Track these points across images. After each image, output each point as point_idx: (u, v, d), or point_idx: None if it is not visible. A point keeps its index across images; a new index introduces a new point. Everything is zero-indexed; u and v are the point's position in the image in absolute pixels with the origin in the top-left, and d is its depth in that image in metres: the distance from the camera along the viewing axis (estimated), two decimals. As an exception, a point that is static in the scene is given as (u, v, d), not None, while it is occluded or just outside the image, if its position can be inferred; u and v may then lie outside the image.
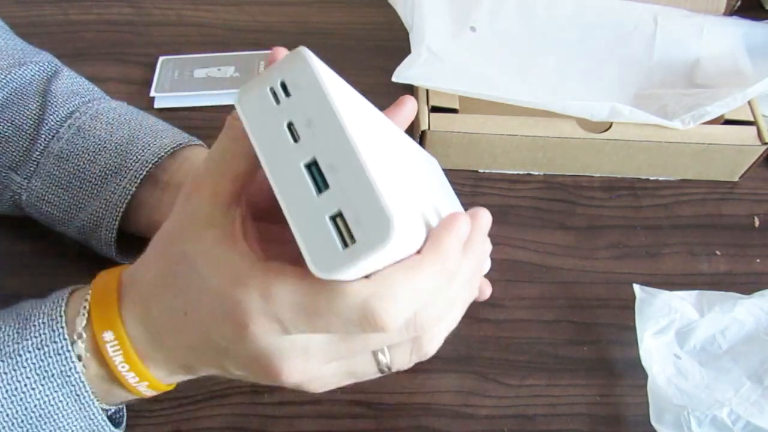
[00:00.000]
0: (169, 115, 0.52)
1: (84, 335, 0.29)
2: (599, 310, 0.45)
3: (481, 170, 0.51)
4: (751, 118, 0.49)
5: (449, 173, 0.51)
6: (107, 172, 0.39)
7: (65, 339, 0.29)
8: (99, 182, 0.39)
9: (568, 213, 0.50)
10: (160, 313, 0.28)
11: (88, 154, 0.39)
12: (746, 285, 0.45)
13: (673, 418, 0.37)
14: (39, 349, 0.29)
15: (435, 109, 0.48)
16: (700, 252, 0.48)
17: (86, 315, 0.29)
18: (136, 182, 0.38)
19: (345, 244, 0.22)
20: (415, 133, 0.49)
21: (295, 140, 0.24)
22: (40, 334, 0.29)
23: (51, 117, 0.40)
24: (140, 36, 0.58)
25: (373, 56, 0.58)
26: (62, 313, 0.29)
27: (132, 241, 0.41)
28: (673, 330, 0.40)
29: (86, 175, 0.39)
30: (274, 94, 0.24)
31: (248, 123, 0.25)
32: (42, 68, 0.42)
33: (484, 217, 0.30)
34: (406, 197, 0.24)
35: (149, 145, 0.39)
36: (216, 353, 0.28)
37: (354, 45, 0.59)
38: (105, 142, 0.39)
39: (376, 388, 0.39)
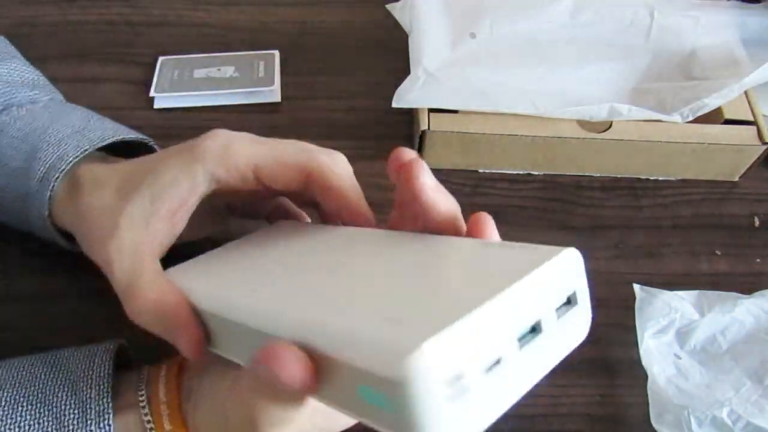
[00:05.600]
0: (168, 115, 0.52)
1: None
2: (599, 310, 0.44)
3: (481, 170, 0.51)
4: (751, 118, 0.49)
5: (449, 173, 0.51)
6: (21, 196, 0.36)
7: None
8: (20, 208, 0.36)
9: (568, 213, 0.49)
10: None
11: (1, 179, 0.36)
12: (746, 285, 0.45)
13: (674, 418, 0.37)
14: None
15: (435, 109, 0.48)
16: (700, 252, 0.48)
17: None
18: (45, 205, 0.35)
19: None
20: (415, 133, 0.49)
21: None
22: None
23: None
24: (140, 36, 0.58)
25: (373, 56, 0.58)
26: None
27: None
28: (673, 330, 0.40)
29: (5, 202, 0.37)
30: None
31: None
32: None
33: None
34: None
35: (50, 156, 0.35)
36: None
37: (354, 45, 0.59)
38: (11, 161, 0.36)
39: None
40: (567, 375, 0.42)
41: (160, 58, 0.56)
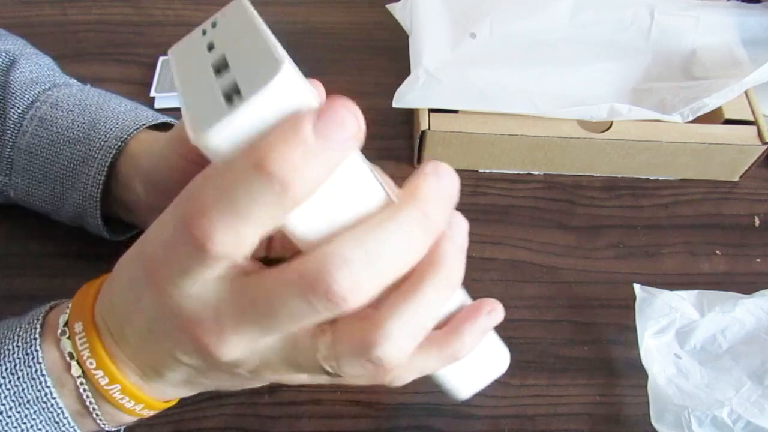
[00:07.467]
0: (169, 115, 0.52)
1: (67, 331, 0.28)
2: (599, 310, 0.45)
3: (481, 170, 0.51)
4: (751, 118, 0.49)
5: (449, 173, 0.51)
6: (75, 163, 0.38)
7: (39, 363, 0.27)
8: (70, 174, 0.39)
9: (568, 213, 0.50)
10: (120, 300, 0.27)
11: (54, 147, 0.39)
12: (746, 285, 0.45)
13: (674, 417, 0.37)
14: (13, 374, 0.27)
15: (435, 109, 0.48)
16: (700, 252, 0.48)
17: (67, 312, 0.28)
18: (103, 171, 0.38)
19: (230, 101, 0.20)
20: (415, 133, 0.49)
21: (210, 51, 0.23)
22: (13, 359, 0.28)
23: (12, 111, 0.39)
24: (140, 36, 0.58)
25: (373, 56, 0.58)
26: (37, 335, 0.28)
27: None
28: (674, 330, 0.40)
29: (57, 168, 0.39)
30: (203, 32, 0.24)
31: (175, 62, 0.24)
32: None
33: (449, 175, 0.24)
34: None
35: (111, 128, 0.39)
36: (154, 334, 0.26)
37: (354, 45, 0.59)
38: (68, 132, 0.39)
39: (376, 387, 0.39)
40: (567, 375, 0.42)
41: (161, 58, 0.56)
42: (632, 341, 0.40)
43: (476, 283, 0.45)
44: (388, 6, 0.54)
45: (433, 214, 0.22)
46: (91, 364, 0.27)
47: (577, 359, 0.42)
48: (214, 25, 0.24)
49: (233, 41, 0.23)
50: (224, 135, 0.20)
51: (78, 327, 0.28)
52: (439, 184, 0.23)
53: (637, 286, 0.42)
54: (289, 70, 0.20)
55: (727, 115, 0.49)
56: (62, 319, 0.28)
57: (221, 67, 0.22)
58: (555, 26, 0.54)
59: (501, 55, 0.52)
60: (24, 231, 0.45)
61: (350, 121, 0.20)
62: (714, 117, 0.49)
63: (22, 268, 0.44)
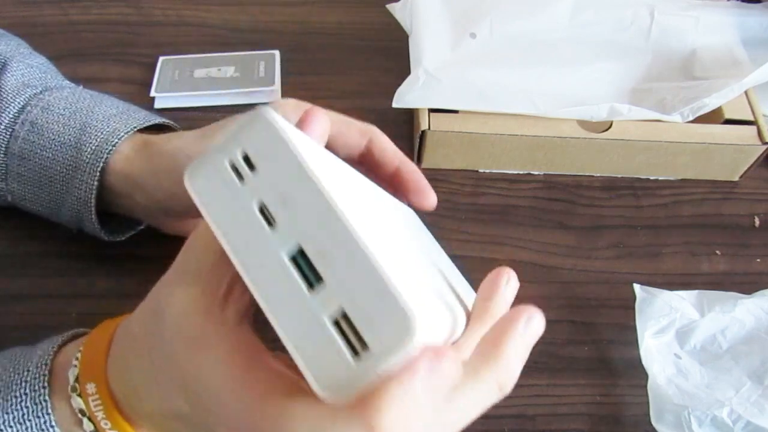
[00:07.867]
0: (169, 115, 0.52)
1: (78, 388, 0.27)
2: (599, 310, 0.45)
3: (481, 170, 0.51)
4: (751, 118, 0.49)
5: (449, 173, 0.51)
6: (68, 168, 0.38)
7: (48, 414, 0.27)
8: (64, 179, 0.38)
9: (568, 213, 0.50)
10: (138, 369, 0.26)
11: (47, 152, 0.38)
12: (746, 285, 0.45)
13: (674, 417, 0.37)
14: (21, 423, 0.27)
15: (435, 109, 0.48)
16: (700, 252, 0.48)
17: (77, 366, 0.27)
18: (95, 176, 0.37)
19: (355, 352, 0.18)
20: (416, 133, 0.49)
21: (271, 225, 0.19)
22: (21, 407, 0.27)
23: (4, 115, 0.39)
24: (140, 36, 0.58)
25: (373, 56, 0.58)
26: (45, 383, 0.27)
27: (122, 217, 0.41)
28: (674, 330, 0.40)
29: (51, 173, 0.39)
30: (236, 170, 0.20)
31: (206, 208, 0.20)
32: None
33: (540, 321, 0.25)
34: (416, 278, 0.21)
35: (101, 132, 0.38)
36: (184, 425, 0.25)
37: (354, 45, 0.59)
38: (59, 136, 0.38)
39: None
40: (567, 375, 0.42)
41: (161, 58, 0.56)
42: (632, 341, 0.40)
43: (477, 284, 0.45)
44: (388, 6, 0.54)
45: (508, 385, 0.23)
46: (105, 424, 0.27)
47: (577, 359, 0.42)
48: (249, 164, 0.20)
49: (303, 225, 0.19)
50: (352, 394, 0.19)
51: (91, 389, 0.27)
52: (524, 341, 0.24)
53: (637, 286, 0.42)
54: (423, 325, 0.18)
55: (727, 115, 0.49)
56: (72, 373, 0.27)
57: (306, 271, 0.19)
58: (555, 26, 0.54)
59: (501, 55, 0.52)
60: (24, 231, 0.45)
61: (455, 370, 0.20)
62: (714, 117, 0.49)
63: (22, 268, 0.44)
